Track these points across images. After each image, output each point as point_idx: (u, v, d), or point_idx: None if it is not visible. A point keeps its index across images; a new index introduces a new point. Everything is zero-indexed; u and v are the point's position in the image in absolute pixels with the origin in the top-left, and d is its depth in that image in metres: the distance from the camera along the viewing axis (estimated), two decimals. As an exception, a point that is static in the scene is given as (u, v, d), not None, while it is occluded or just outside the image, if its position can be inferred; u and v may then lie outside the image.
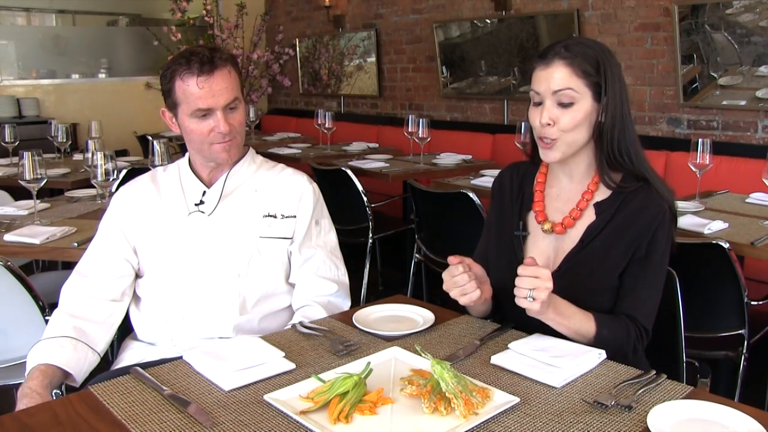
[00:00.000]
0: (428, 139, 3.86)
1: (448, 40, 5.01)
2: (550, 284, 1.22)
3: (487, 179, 3.14)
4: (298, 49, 6.51)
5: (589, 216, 1.42)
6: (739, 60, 3.43)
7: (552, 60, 1.35)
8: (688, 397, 1.11)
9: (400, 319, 1.45)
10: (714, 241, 2.00)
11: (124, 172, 2.78)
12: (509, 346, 1.28)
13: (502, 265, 1.49)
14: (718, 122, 3.62)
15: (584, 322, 1.32)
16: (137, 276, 1.67)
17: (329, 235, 1.73)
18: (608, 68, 1.35)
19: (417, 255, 3.28)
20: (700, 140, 2.61)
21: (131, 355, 1.60)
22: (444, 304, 1.57)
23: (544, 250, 1.46)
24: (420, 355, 1.17)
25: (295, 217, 1.67)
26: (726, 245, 1.98)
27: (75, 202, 2.77)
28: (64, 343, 1.48)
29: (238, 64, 1.65)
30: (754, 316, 2.14)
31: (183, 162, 1.72)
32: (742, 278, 2.05)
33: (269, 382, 1.16)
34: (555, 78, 1.34)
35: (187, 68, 1.52)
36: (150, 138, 4.31)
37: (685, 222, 2.26)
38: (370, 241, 3.49)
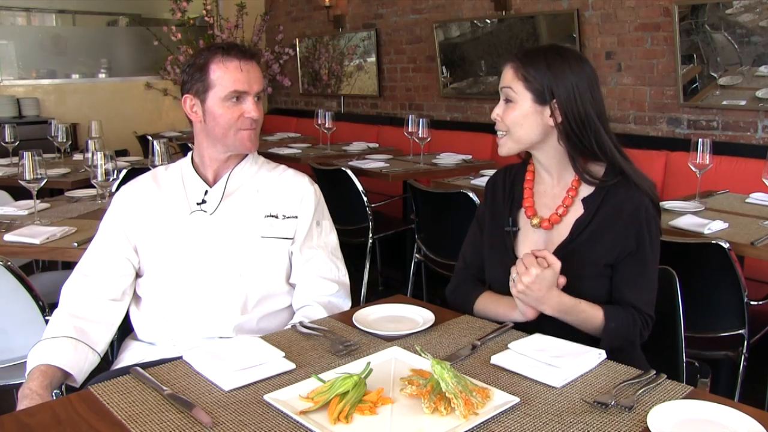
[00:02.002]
0: (428, 139, 3.86)
1: (448, 40, 5.01)
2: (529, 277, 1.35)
3: (486, 179, 3.13)
4: (298, 49, 6.51)
5: (578, 210, 1.50)
6: (739, 60, 3.43)
7: (507, 61, 1.50)
8: (688, 397, 1.11)
9: (400, 319, 1.45)
10: (714, 241, 2.01)
11: (124, 172, 2.78)
12: (509, 346, 1.28)
13: (496, 261, 1.57)
14: (718, 122, 3.62)
15: (592, 311, 1.41)
16: (137, 275, 1.67)
17: (330, 236, 1.74)
18: (559, 75, 1.43)
19: (417, 255, 3.28)
20: (700, 140, 2.62)
21: (131, 355, 1.59)
22: (444, 304, 1.58)
23: (535, 243, 1.53)
24: (420, 355, 1.17)
25: (296, 217, 1.67)
26: (726, 245, 1.98)
27: (75, 202, 2.77)
28: (64, 343, 1.48)
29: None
30: (754, 316, 2.14)
31: (185, 161, 1.73)
32: (742, 278, 2.05)
33: (269, 382, 1.16)
34: (503, 77, 1.50)
35: (227, 53, 1.60)
36: (150, 138, 4.31)
37: (685, 222, 2.27)
38: (370, 241, 3.49)
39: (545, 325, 1.41)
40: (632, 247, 1.44)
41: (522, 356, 1.24)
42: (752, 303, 2.10)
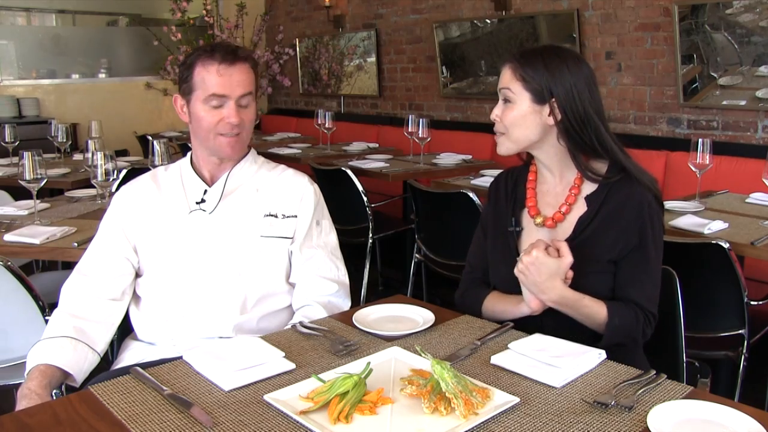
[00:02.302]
0: (428, 139, 3.86)
1: (448, 40, 5.01)
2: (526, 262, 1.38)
3: (487, 179, 3.13)
4: (298, 49, 6.50)
5: (581, 208, 1.50)
6: (739, 60, 3.43)
7: (505, 62, 1.51)
8: (688, 397, 1.11)
9: (400, 319, 1.45)
10: (714, 241, 2.00)
11: (124, 172, 2.78)
12: (509, 346, 1.28)
13: (500, 261, 1.57)
14: (718, 122, 3.62)
15: (595, 307, 1.42)
16: (137, 275, 1.67)
17: (330, 236, 1.74)
18: (557, 75, 1.44)
19: (417, 255, 3.28)
20: (700, 140, 2.62)
21: (131, 355, 1.59)
22: (444, 304, 1.58)
23: None
24: (420, 355, 1.17)
25: (296, 217, 1.67)
26: (726, 245, 1.98)
27: (75, 202, 2.77)
28: (63, 343, 1.48)
29: (258, 66, 1.69)
30: (754, 316, 2.14)
31: (185, 161, 1.73)
32: (742, 278, 2.05)
33: (269, 382, 1.16)
34: (502, 78, 1.51)
35: (210, 56, 1.57)
36: (150, 138, 4.31)
37: (685, 222, 2.27)
38: (370, 241, 3.49)
39: (546, 324, 1.42)
40: (635, 243, 1.44)
41: (522, 356, 1.24)
42: (752, 303, 2.10)
